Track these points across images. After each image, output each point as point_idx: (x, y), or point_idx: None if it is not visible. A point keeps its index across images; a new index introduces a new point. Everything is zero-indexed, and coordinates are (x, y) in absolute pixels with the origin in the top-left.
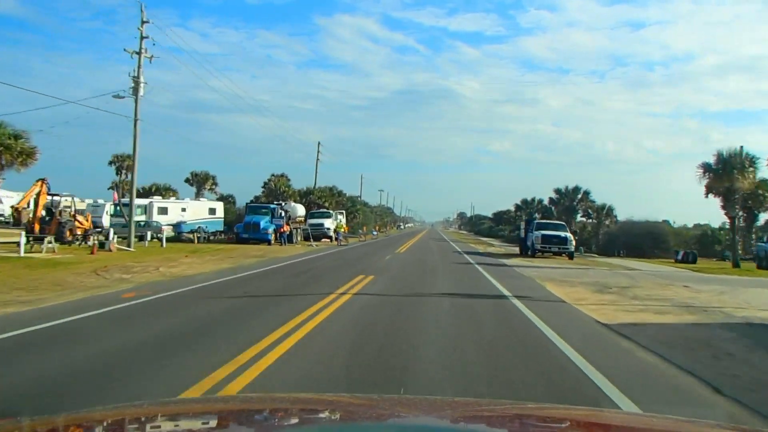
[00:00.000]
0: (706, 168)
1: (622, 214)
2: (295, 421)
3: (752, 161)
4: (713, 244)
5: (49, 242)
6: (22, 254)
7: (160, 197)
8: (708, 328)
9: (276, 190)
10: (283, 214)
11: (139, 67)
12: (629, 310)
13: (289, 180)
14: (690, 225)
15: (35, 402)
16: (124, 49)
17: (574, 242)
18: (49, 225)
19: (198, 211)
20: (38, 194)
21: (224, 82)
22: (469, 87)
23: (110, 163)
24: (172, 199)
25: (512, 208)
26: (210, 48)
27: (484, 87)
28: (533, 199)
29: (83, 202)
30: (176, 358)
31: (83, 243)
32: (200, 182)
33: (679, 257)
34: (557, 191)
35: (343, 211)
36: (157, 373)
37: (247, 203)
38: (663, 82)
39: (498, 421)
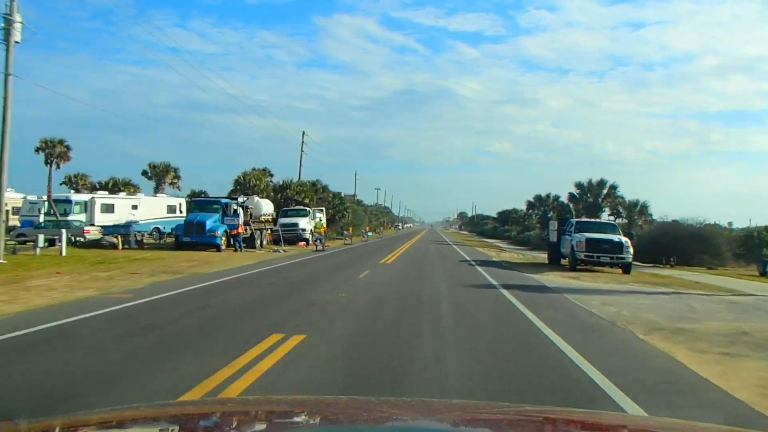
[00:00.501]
0: None
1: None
2: (292, 423)
3: None
4: (759, 248)
5: None
6: None
7: (124, 193)
8: None
9: (246, 184)
10: (239, 211)
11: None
12: None
13: (271, 174)
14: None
15: None
16: None
17: (632, 249)
18: None
19: (154, 208)
20: None
21: (222, 83)
22: (468, 87)
23: (38, 150)
24: (122, 194)
25: (520, 207)
26: (209, 48)
27: (484, 87)
28: (548, 196)
29: (26, 198)
30: None
31: None
32: (159, 175)
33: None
34: (578, 186)
35: (323, 209)
36: None
37: (191, 198)
38: (663, 83)
39: (496, 423)
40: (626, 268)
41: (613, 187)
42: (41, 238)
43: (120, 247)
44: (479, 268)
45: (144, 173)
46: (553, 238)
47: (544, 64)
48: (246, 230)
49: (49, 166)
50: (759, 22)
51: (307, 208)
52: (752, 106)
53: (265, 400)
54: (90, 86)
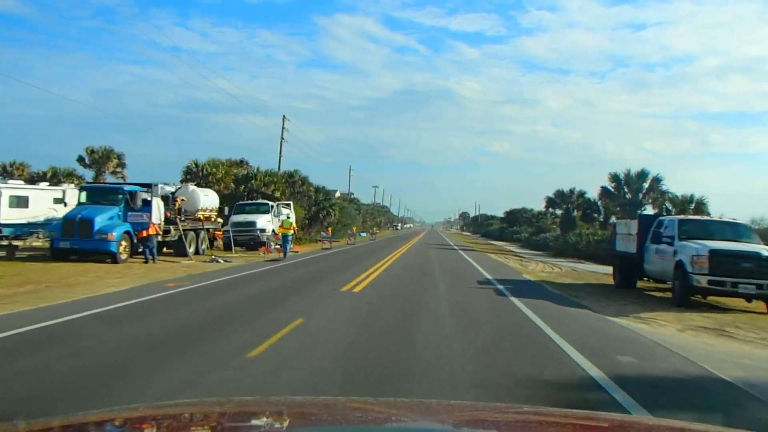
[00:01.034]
0: None
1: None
2: (291, 424)
3: None
4: None
5: None
6: None
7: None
8: None
9: (198, 174)
10: (155, 203)
11: None
12: None
13: (248, 166)
14: None
15: None
16: None
17: None
18: None
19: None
20: None
21: (222, 82)
22: (468, 87)
23: None
24: (44, 184)
25: (527, 206)
26: (210, 47)
27: (484, 87)
28: (571, 192)
29: None
30: None
31: None
32: (99, 162)
33: None
34: (614, 179)
35: (290, 203)
36: None
37: (81, 185)
38: (663, 83)
39: (495, 424)
40: None
41: (657, 180)
42: None
43: None
44: (519, 303)
45: (80, 160)
46: (628, 247)
47: (544, 65)
48: (169, 231)
49: None
50: (760, 22)
51: (269, 203)
52: (753, 107)
53: (263, 401)
54: (90, 86)
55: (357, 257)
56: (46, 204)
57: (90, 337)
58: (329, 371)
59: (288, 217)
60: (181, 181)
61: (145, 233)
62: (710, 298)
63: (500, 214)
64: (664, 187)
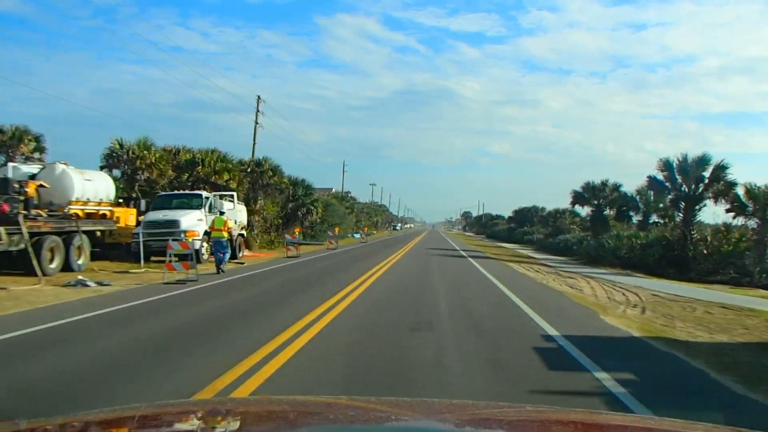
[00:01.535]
0: None
1: None
2: (292, 424)
3: None
4: None
5: None
6: None
7: None
8: None
9: (123, 158)
10: None
11: None
12: None
13: (224, 155)
14: None
15: None
16: None
17: None
18: None
19: None
20: None
21: (223, 82)
22: (469, 87)
23: None
24: None
25: (529, 205)
26: (210, 47)
27: (485, 87)
28: (604, 184)
29: None
30: None
31: None
32: (9, 146)
33: None
34: (666, 166)
35: (234, 194)
36: None
37: None
38: (664, 84)
39: (497, 423)
40: None
41: (722, 168)
42: None
43: None
44: None
45: None
46: None
47: (545, 65)
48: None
49: None
50: (760, 23)
51: (204, 194)
52: (753, 108)
53: (265, 400)
54: (91, 85)
55: (323, 273)
56: None
57: None
58: None
59: (222, 214)
60: (101, 168)
61: None
62: None
63: (501, 213)
64: (729, 177)
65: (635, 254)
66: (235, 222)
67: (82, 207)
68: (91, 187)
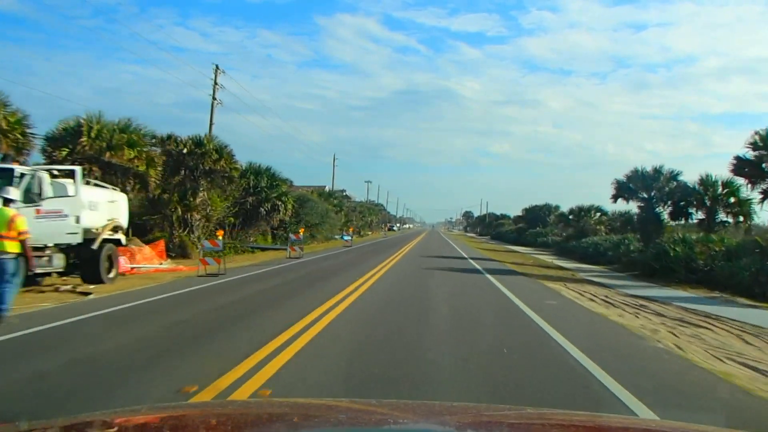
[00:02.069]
0: None
1: None
2: (293, 426)
3: None
4: None
5: None
6: None
7: None
8: None
9: None
10: None
11: None
12: None
13: (129, 122)
14: None
15: None
16: None
17: None
18: None
19: None
20: None
21: (223, 82)
22: (469, 88)
23: None
24: None
25: (533, 204)
26: (210, 47)
27: (485, 88)
28: (657, 171)
29: None
30: None
31: None
32: None
33: None
34: (753, 144)
35: (75, 169)
36: None
37: None
38: (664, 84)
39: (498, 426)
40: None
41: None
42: None
43: None
44: None
45: None
46: None
47: (545, 65)
48: None
49: None
50: (761, 23)
51: (17, 168)
52: (754, 109)
53: (266, 402)
54: (92, 85)
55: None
56: None
57: None
58: None
59: (7, 203)
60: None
61: None
62: None
63: (503, 213)
64: None
65: (716, 266)
66: (108, 219)
67: None
68: None
